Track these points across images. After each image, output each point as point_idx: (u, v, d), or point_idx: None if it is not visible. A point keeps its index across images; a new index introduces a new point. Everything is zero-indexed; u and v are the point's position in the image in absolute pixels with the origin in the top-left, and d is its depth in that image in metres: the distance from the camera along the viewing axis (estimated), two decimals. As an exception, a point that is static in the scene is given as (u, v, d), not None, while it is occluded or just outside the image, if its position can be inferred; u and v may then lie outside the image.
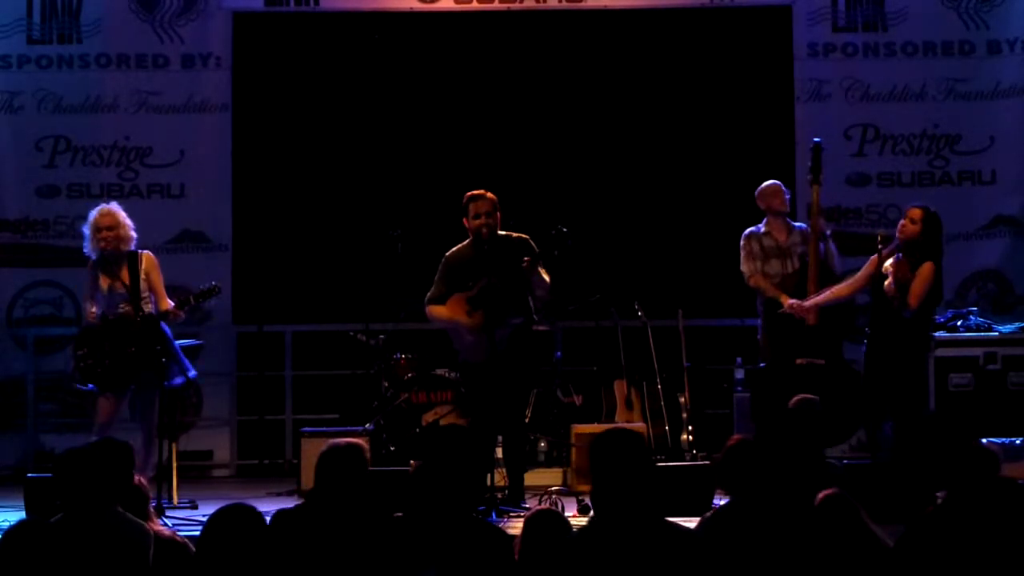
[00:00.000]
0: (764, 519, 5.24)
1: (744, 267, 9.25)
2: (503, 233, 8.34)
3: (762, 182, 9.44)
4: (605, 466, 4.90)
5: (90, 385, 8.54)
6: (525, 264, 8.09)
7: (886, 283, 8.57)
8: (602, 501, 4.91)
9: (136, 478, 5.69)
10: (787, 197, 9.30)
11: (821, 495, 5.25)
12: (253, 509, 4.89)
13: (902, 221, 8.68)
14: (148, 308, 8.49)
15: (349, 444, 5.40)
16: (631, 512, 4.80)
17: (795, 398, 6.79)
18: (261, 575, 4.73)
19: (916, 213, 8.64)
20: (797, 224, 9.29)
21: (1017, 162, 11.02)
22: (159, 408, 8.45)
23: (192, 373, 8.67)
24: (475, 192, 8.35)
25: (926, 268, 8.54)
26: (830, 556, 5.09)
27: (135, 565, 4.95)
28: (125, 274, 8.50)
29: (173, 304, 8.50)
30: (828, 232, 9.25)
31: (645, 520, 4.81)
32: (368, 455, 5.45)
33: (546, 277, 8.25)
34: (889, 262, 8.61)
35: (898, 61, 11.06)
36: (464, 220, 8.35)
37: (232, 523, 4.80)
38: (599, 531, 4.84)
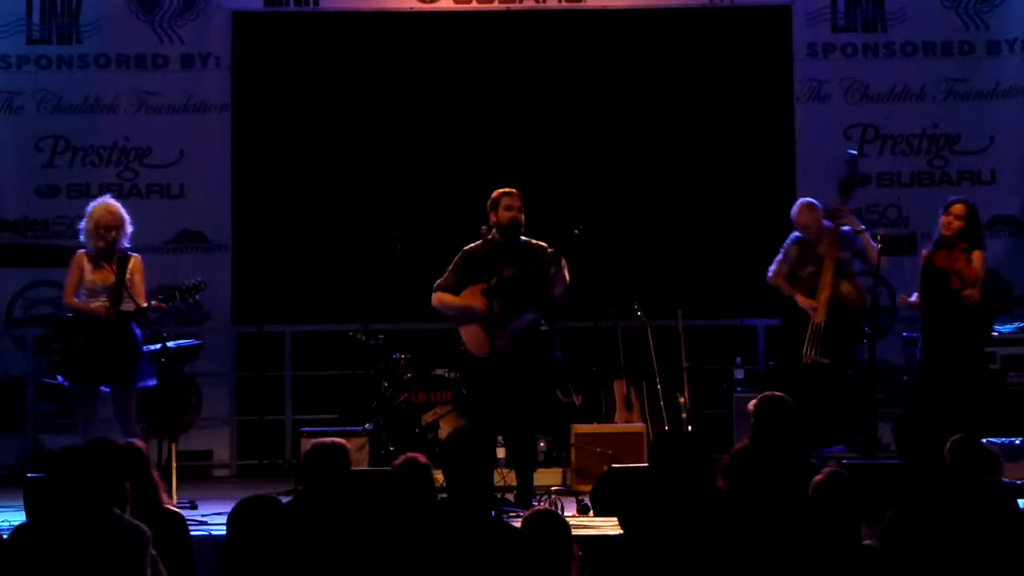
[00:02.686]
0: (757, 518, 5.25)
1: (772, 266, 9.32)
2: (524, 238, 8.36)
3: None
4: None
5: (59, 379, 8.55)
6: (549, 255, 8.11)
7: (964, 283, 8.68)
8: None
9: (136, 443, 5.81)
10: (817, 214, 9.21)
11: (821, 474, 5.27)
12: (276, 500, 4.94)
13: (945, 218, 8.89)
14: (128, 307, 8.51)
15: (333, 443, 5.42)
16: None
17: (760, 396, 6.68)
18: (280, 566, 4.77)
19: (960, 209, 8.91)
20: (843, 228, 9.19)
21: (1017, 162, 11.02)
22: (135, 406, 8.48)
23: (152, 382, 8.64)
24: (506, 188, 8.38)
25: (979, 257, 8.83)
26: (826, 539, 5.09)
27: (130, 567, 4.95)
28: (115, 271, 8.50)
29: (154, 302, 8.54)
30: (862, 227, 9.24)
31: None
32: (350, 456, 5.47)
33: (567, 276, 8.28)
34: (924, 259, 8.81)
35: (898, 61, 11.06)
36: (492, 216, 8.34)
37: (256, 514, 4.84)
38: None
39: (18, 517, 7.57)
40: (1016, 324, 10.04)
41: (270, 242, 11.22)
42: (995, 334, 9.70)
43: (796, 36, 11.07)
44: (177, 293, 8.67)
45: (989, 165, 11.04)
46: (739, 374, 10.27)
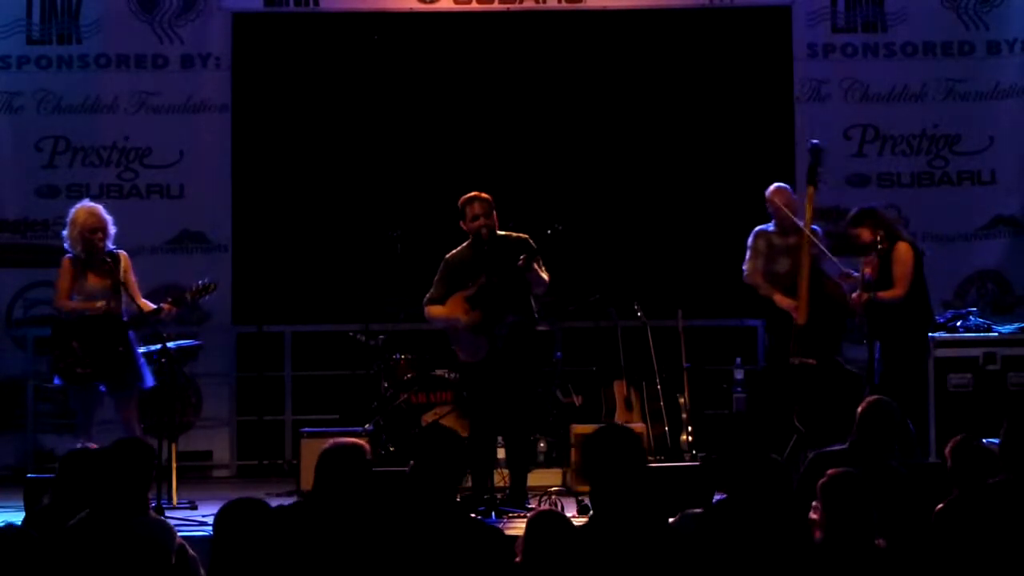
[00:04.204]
0: (754, 516, 5.25)
1: (745, 265, 9.20)
2: (502, 233, 8.34)
3: (761, 182, 9.42)
4: (600, 464, 4.91)
5: (56, 380, 8.50)
6: (520, 263, 8.10)
7: (867, 272, 8.59)
8: (600, 500, 4.94)
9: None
10: (793, 198, 9.19)
11: (829, 472, 5.26)
12: (262, 502, 4.93)
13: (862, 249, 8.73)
14: (131, 308, 8.50)
15: (351, 444, 5.40)
16: (628, 511, 4.82)
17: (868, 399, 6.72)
18: (271, 568, 4.76)
19: (860, 232, 8.69)
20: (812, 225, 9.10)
21: (1017, 162, 11.03)
22: (136, 408, 8.46)
23: (151, 382, 8.60)
24: (470, 195, 8.37)
25: (902, 250, 8.58)
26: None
27: (158, 562, 4.96)
28: (109, 273, 8.48)
29: (165, 303, 8.51)
30: (828, 254, 9.14)
31: (643, 520, 4.82)
32: (370, 455, 5.45)
33: (544, 275, 8.25)
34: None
35: (898, 61, 11.07)
36: (462, 223, 8.36)
37: (242, 516, 4.83)
38: (598, 530, 4.85)
39: (18, 517, 7.56)
40: (1016, 324, 10.05)
41: (270, 242, 11.23)
42: (997, 335, 9.69)
43: (796, 36, 11.08)
44: (188, 295, 8.64)
45: (989, 165, 11.04)
46: (739, 374, 10.27)
